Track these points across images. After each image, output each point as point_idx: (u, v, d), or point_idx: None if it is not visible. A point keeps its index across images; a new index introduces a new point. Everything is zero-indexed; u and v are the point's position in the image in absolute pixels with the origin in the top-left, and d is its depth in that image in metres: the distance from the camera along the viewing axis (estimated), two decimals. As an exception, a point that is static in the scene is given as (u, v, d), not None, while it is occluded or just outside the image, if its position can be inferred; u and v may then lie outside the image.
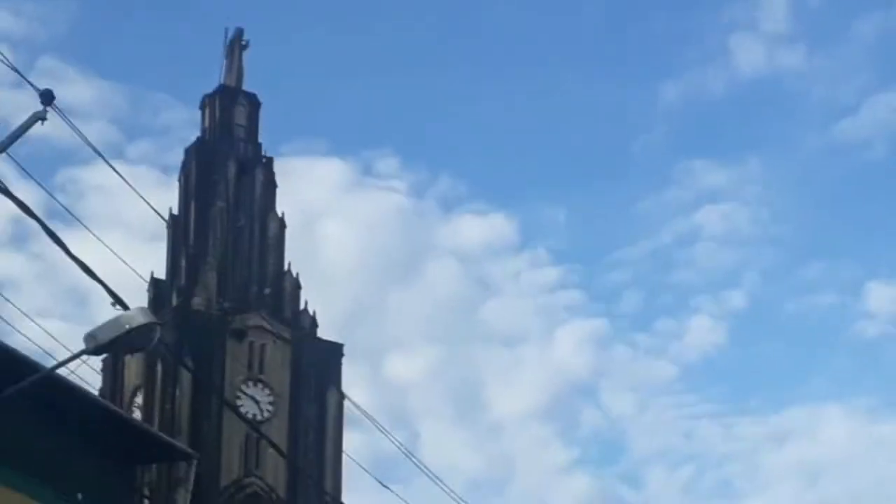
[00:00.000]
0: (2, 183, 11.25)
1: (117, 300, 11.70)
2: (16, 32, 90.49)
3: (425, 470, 22.94)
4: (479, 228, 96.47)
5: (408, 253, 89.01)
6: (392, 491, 23.71)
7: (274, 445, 44.40)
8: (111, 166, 12.91)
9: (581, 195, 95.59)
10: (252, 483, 47.72)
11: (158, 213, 16.64)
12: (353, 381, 65.37)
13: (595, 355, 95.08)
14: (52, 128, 11.59)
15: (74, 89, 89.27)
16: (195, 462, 17.53)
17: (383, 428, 24.40)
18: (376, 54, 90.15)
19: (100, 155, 12.70)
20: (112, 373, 49.56)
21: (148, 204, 14.40)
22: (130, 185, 13.39)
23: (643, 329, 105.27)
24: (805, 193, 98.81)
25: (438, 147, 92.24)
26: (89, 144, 12.36)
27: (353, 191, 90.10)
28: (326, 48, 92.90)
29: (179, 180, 52.93)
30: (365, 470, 28.21)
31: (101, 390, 49.65)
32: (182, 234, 51.34)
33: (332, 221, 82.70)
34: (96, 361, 49.26)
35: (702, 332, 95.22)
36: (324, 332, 51.04)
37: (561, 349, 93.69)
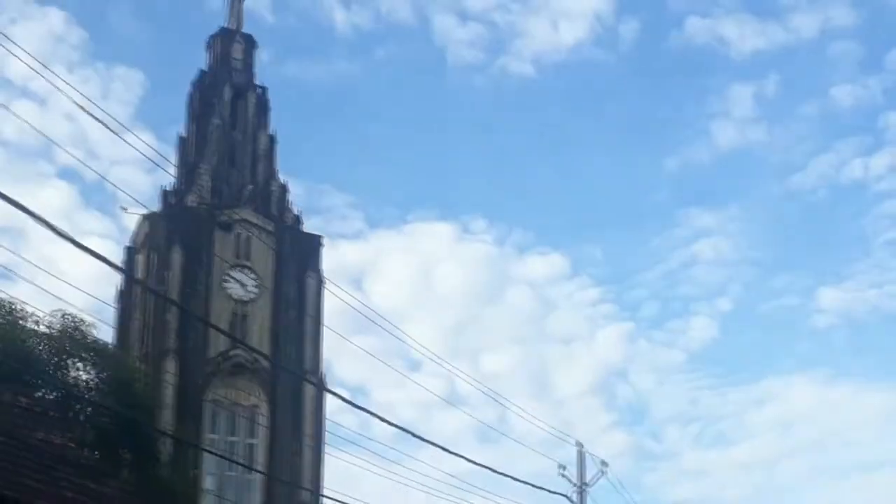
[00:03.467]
0: None
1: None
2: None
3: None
4: (543, 264, 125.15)
5: (495, 283, 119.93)
6: (363, 349, 31.28)
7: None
8: None
9: (612, 237, 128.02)
10: (238, 354, 51.24)
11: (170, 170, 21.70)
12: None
13: (625, 348, 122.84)
14: None
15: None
16: None
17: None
18: (470, 154, 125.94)
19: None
20: (129, 267, 55.86)
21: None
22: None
23: (659, 328, 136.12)
24: (771, 227, 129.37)
25: (513, 211, 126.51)
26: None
27: (457, 243, 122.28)
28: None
29: (186, 107, 59.22)
30: (342, 336, 36.52)
31: (121, 284, 56.71)
32: (187, 151, 57.84)
33: (445, 264, 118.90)
34: (117, 261, 56.29)
35: (701, 328, 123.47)
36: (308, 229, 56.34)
37: (602, 345, 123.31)
